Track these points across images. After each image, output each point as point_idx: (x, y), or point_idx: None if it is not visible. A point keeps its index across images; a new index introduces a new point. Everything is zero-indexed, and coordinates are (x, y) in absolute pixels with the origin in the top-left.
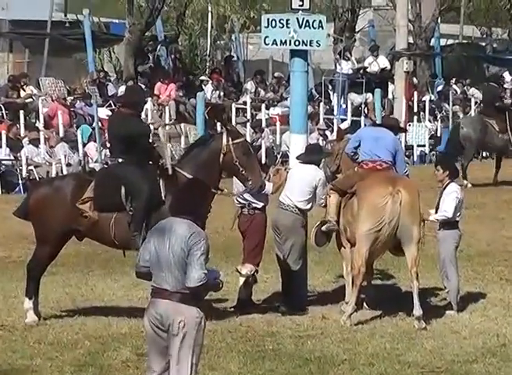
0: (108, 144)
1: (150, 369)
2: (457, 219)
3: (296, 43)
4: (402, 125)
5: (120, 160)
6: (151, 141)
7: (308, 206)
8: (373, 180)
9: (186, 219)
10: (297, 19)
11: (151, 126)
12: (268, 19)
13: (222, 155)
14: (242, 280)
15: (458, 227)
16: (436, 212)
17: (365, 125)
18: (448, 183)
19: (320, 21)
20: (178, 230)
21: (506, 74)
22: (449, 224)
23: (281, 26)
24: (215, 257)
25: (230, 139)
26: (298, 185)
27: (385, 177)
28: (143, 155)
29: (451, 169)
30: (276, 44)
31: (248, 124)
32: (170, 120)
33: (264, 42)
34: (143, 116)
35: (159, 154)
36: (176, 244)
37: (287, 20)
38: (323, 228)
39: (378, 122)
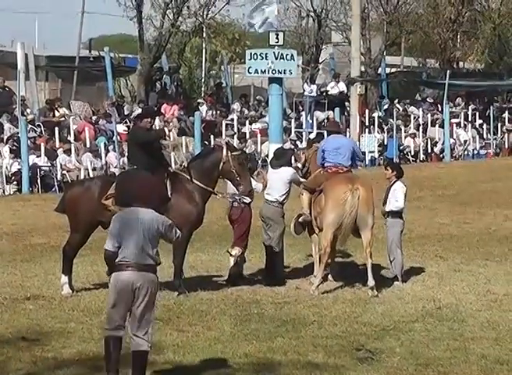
0: (127, 153)
1: (113, 320)
2: (400, 210)
3: (273, 72)
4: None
5: (135, 166)
6: (160, 146)
7: (285, 198)
8: (336, 180)
9: (149, 208)
10: (274, 53)
11: (165, 129)
12: (250, 53)
13: (222, 164)
14: (232, 259)
15: (402, 216)
16: (384, 204)
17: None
18: (395, 181)
19: (292, 54)
20: (145, 216)
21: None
22: (396, 214)
23: (261, 58)
24: (210, 241)
25: (229, 152)
26: (275, 184)
27: (345, 178)
28: (153, 161)
29: (397, 169)
30: (257, 73)
31: (235, 136)
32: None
33: (248, 71)
34: None
35: (166, 160)
36: (147, 226)
37: (266, 54)
38: (300, 219)
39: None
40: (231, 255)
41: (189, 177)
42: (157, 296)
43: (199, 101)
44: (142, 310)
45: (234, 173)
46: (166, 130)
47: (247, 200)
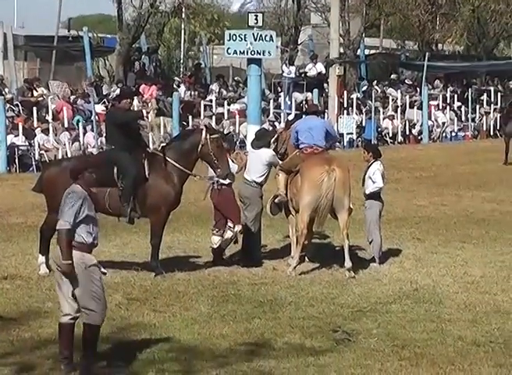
0: (105, 134)
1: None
2: (379, 191)
3: (252, 53)
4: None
5: (113, 146)
6: (138, 127)
7: (264, 179)
8: (312, 161)
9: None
10: (253, 34)
11: (144, 111)
12: (229, 34)
13: (200, 146)
14: (229, 233)
15: (381, 198)
16: (363, 185)
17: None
18: (372, 163)
19: (271, 35)
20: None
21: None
22: (374, 195)
23: (240, 39)
24: (187, 222)
25: (208, 134)
26: (254, 165)
27: (321, 159)
28: (131, 141)
29: (374, 150)
30: (236, 54)
31: (213, 117)
32: (152, 114)
33: (227, 52)
34: None
35: (144, 141)
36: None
37: (245, 35)
38: (276, 200)
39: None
40: (232, 231)
41: (168, 158)
42: (134, 276)
43: (176, 78)
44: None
45: (212, 156)
46: (144, 111)
47: (226, 181)
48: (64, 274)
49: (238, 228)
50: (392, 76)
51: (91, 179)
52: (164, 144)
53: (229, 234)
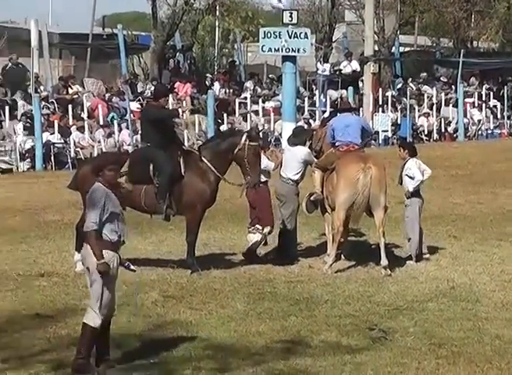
0: (140, 131)
1: None
2: (417, 188)
3: (287, 50)
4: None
5: (149, 144)
6: (173, 124)
7: (300, 177)
8: (348, 158)
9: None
10: (288, 31)
11: (179, 110)
12: (264, 32)
13: (237, 150)
14: (258, 235)
15: (421, 195)
16: (400, 183)
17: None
18: (407, 160)
19: (305, 33)
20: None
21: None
22: (414, 193)
23: (275, 37)
24: (223, 219)
25: (248, 140)
26: (290, 162)
27: (357, 156)
28: (167, 138)
29: (410, 148)
30: (271, 51)
31: (248, 115)
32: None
33: (262, 50)
34: None
35: (179, 138)
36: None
37: (280, 32)
38: (311, 198)
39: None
40: (262, 232)
41: (202, 157)
42: (170, 274)
43: (208, 76)
44: None
45: (246, 162)
46: (180, 110)
47: (262, 179)
48: (100, 273)
49: (267, 230)
50: (422, 74)
51: (112, 176)
52: (202, 142)
53: (257, 237)
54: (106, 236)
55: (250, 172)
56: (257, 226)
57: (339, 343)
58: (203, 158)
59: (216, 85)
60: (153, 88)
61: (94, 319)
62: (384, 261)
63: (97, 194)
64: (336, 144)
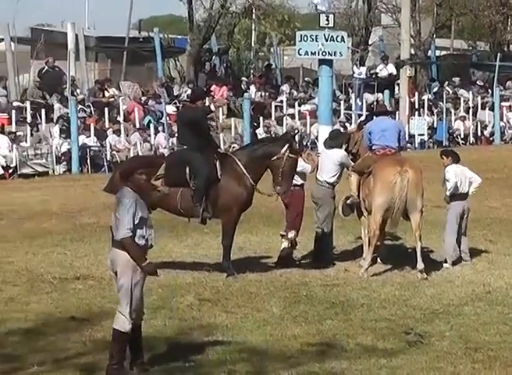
0: (176, 134)
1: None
2: (460, 192)
3: (324, 54)
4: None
5: (185, 147)
6: (209, 127)
7: (336, 180)
8: (385, 162)
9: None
10: (324, 35)
11: (211, 106)
12: (301, 35)
13: (275, 158)
14: (285, 242)
15: (462, 199)
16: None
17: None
18: (447, 165)
19: (342, 36)
20: (118, 194)
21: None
22: (452, 197)
23: (311, 40)
24: (258, 223)
25: (288, 151)
26: (326, 165)
27: (394, 160)
28: (203, 141)
29: (452, 155)
30: (308, 55)
31: (284, 118)
32: (223, 115)
33: (298, 53)
34: None
35: (215, 141)
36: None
37: (316, 36)
38: (348, 201)
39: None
40: (286, 237)
41: (237, 160)
42: (206, 277)
43: (243, 79)
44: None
45: (280, 172)
46: (212, 106)
47: (299, 181)
48: (150, 274)
49: (291, 235)
50: (455, 78)
51: (141, 180)
52: (239, 146)
53: (285, 244)
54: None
55: (281, 182)
56: (281, 232)
57: (375, 347)
58: (238, 162)
59: (252, 88)
60: (190, 91)
61: (123, 324)
62: (420, 264)
63: (127, 201)
64: (373, 147)
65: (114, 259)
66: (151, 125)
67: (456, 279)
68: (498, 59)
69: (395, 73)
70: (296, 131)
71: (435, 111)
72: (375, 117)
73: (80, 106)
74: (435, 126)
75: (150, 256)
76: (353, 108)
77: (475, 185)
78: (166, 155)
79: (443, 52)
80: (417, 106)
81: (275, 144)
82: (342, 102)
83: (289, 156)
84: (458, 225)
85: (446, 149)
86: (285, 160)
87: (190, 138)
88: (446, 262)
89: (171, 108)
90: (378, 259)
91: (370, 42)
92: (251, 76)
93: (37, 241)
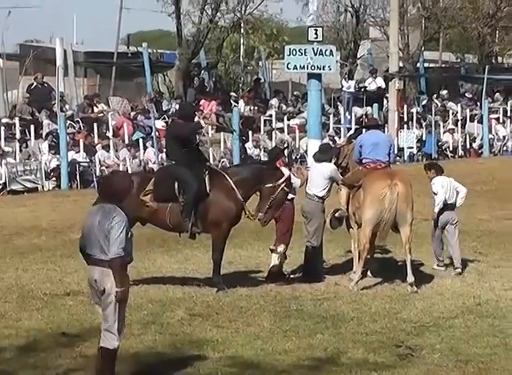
0: (165, 149)
1: None
2: (448, 202)
3: (313, 68)
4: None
5: (174, 162)
6: (198, 142)
7: (325, 194)
8: (375, 175)
9: (111, 204)
10: (313, 48)
11: (202, 121)
12: (289, 49)
13: (269, 185)
14: (275, 256)
15: (450, 210)
16: None
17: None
18: (434, 177)
19: (331, 50)
20: (105, 212)
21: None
22: (442, 207)
23: (300, 54)
24: (248, 237)
25: (284, 183)
26: (316, 179)
27: (384, 173)
28: (192, 156)
29: (436, 168)
30: (296, 69)
31: (273, 132)
32: (212, 130)
33: (287, 67)
34: None
35: (205, 156)
36: (102, 223)
37: (305, 50)
38: (336, 214)
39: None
40: (276, 252)
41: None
42: (196, 292)
43: (232, 94)
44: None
45: (270, 200)
46: (202, 122)
47: (289, 197)
48: (120, 302)
49: (281, 249)
50: (443, 92)
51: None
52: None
53: (275, 258)
54: None
55: (267, 210)
56: (271, 246)
57: (366, 360)
58: (228, 178)
59: (241, 103)
60: (178, 107)
61: (112, 340)
62: (410, 277)
63: (120, 219)
64: (363, 161)
65: (101, 278)
66: (140, 140)
67: (447, 291)
68: (486, 72)
69: (384, 86)
70: (285, 144)
71: (424, 124)
72: (365, 131)
73: (68, 122)
74: (423, 138)
75: (140, 271)
76: (342, 122)
77: (462, 195)
78: (155, 170)
79: (432, 65)
80: (405, 119)
81: (272, 172)
82: (331, 116)
83: (282, 188)
84: (441, 232)
85: (429, 162)
86: (278, 191)
87: (178, 153)
88: (437, 275)
89: (160, 124)
90: (369, 273)
91: (358, 55)
92: (240, 90)
93: (27, 258)
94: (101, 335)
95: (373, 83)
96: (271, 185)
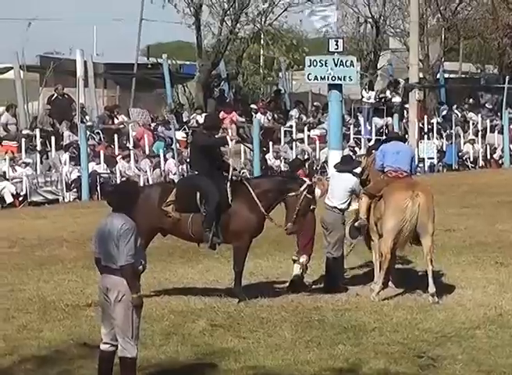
0: (189, 160)
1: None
2: None
3: (333, 78)
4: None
5: (196, 171)
6: (222, 153)
7: (346, 206)
8: (396, 185)
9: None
10: (333, 59)
11: (227, 138)
12: (310, 60)
13: (292, 195)
14: (297, 267)
15: None
16: None
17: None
18: None
19: (351, 61)
20: (114, 221)
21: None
22: None
23: (320, 65)
24: (269, 248)
25: (306, 191)
26: (337, 190)
27: (406, 183)
28: (214, 167)
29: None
30: (317, 80)
31: (293, 143)
32: (232, 140)
33: (308, 78)
34: None
35: (228, 167)
36: (112, 232)
37: (325, 61)
38: (356, 224)
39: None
40: (298, 262)
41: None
42: (217, 303)
43: (252, 106)
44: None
45: (296, 209)
46: (228, 138)
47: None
48: (136, 307)
49: (303, 259)
50: (470, 101)
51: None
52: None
53: (296, 269)
54: None
55: (294, 220)
56: (293, 256)
57: (388, 370)
58: (250, 189)
59: (259, 114)
60: (204, 117)
61: (130, 350)
62: (432, 288)
63: (129, 227)
64: (386, 169)
65: (112, 286)
66: (161, 151)
67: (468, 302)
68: (507, 82)
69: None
70: (306, 156)
71: (445, 134)
72: (386, 142)
73: (89, 133)
74: (444, 149)
75: (161, 282)
76: (363, 133)
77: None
78: (177, 180)
79: (452, 76)
80: (426, 130)
81: (294, 182)
82: (351, 127)
83: (306, 197)
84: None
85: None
86: (302, 198)
87: (201, 164)
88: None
89: (180, 135)
90: (390, 283)
91: (378, 66)
92: (260, 101)
93: (49, 269)
94: (119, 346)
95: (397, 97)
96: (294, 194)
